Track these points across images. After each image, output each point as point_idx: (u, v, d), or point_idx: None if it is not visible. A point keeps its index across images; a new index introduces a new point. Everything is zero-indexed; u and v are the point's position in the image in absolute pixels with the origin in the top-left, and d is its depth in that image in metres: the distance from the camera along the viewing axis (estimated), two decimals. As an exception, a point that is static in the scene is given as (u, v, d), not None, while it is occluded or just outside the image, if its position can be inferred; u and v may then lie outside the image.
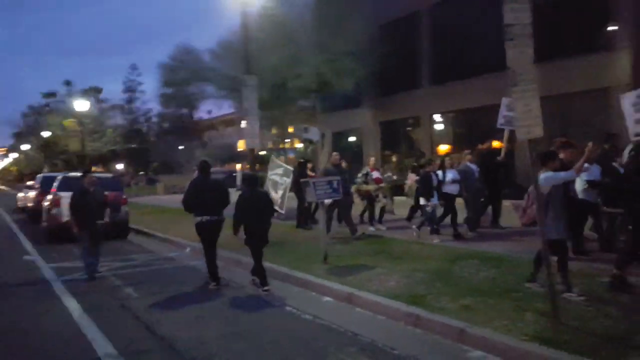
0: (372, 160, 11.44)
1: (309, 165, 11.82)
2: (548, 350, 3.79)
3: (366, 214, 10.96)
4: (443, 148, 17.25)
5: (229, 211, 6.69)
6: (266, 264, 7.38)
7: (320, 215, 7.92)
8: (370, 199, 10.61)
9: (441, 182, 9.02)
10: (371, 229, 10.44)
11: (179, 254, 9.60)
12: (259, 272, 6.55)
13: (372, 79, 17.58)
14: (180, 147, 54.98)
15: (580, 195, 6.89)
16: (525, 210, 5.42)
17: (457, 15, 15.98)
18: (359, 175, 10.78)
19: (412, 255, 7.66)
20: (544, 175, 5.18)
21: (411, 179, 10.98)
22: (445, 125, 18.02)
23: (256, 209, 6.48)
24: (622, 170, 6.61)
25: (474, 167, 9.42)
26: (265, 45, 14.32)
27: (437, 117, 18.00)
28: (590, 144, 5.60)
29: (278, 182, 10.33)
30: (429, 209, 8.83)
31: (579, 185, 6.91)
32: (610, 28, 12.33)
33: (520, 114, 4.16)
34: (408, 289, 5.71)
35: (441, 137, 17.86)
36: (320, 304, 5.78)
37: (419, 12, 17.51)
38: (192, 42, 22.48)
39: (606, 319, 4.42)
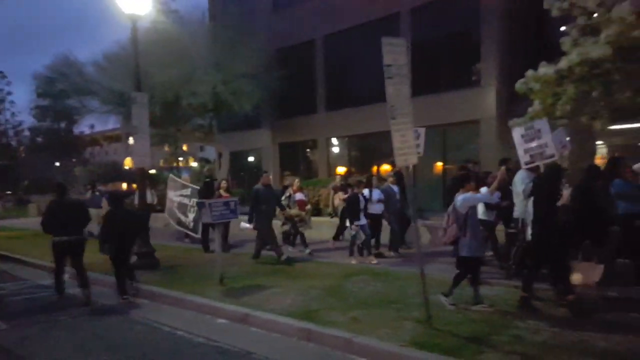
0: (295, 181, 10.73)
1: (223, 184, 11.07)
2: (421, 353, 4.33)
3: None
4: (340, 170, 18.21)
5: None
6: (158, 290, 7.22)
7: (216, 235, 7.91)
8: (293, 222, 10.22)
9: (367, 202, 9.12)
10: (290, 249, 10.26)
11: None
12: (121, 287, 7.12)
13: (270, 101, 18.01)
14: (57, 164, 50.08)
15: (481, 216, 7.54)
16: (445, 230, 5.87)
17: (349, 46, 17.19)
18: (282, 198, 10.31)
19: (309, 273, 8.01)
20: (462, 197, 5.69)
21: (338, 198, 10.77)
22: (341, 148, 19.05)
23: (122, 227, 7.06)
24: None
25: (395, 188, 9.59)
26: (157, 61, 13.98)
27: (333, 140, 18.98)
28: (503, 168, 6.43)
29: (187, 204, 9.49)
30: (352, 231, 8.83)
31: (480, 206, 7.57)
32: (480, 67, 14.28)
33: (398, 143, 4.77)
34: (303, 306, 6.01)
35: (338, 160, 18.82)
36: (214, 327, 5.81)
37: (313, 41, 18.48)
38: (73, 52, 21.01)
39: (472, 324, 5.14)
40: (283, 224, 10.40)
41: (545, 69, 4.37)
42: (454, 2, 14.37)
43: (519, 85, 4.64)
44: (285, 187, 11.25)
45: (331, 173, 17.72)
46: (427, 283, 5.23)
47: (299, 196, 10.35)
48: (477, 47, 14.04)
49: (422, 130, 9.56)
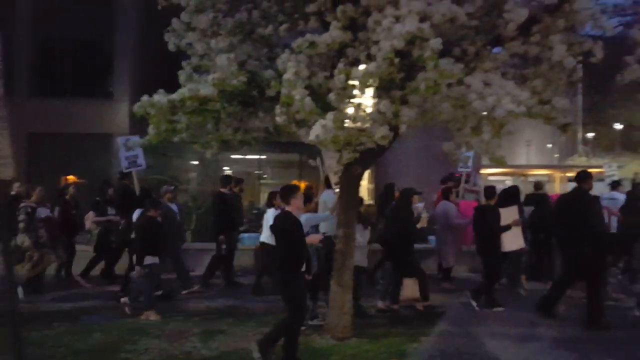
0: (37, 190, 7.24)
1: None
2: None
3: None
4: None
5: None
6: None
7: None
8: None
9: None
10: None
11: None
12: None
13: None
14: None
15: (265, 240, 7.27)
16: None
17: None
18: (20, 216, 6.78)
19: None
20: (305, 217, 5.58)
21: (89, 219, 8.06)
22: None
23: None
24: None
25: (175, 207, 7.79)
26: None
27: None
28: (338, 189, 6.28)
29: None
30: (135, 275, 6.45)
31: (265, 229, 7.31)
32: (114, 81, 14.22)
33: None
34: None
35: None
36: None
37: None
38: None
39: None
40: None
41: (159, 97, 4.77)
42: (86, 4, 13.78)
43: (137, 108, 4.88)
44: (15, 199, 7.26)
45: None
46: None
47: (43, 212, 7.17)
48: (110, 60, 14.00)
49: (135, 139, 7.82)
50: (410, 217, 6.68)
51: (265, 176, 16.63)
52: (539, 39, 4.51)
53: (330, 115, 4.24)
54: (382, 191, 8.34)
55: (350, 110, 4.40)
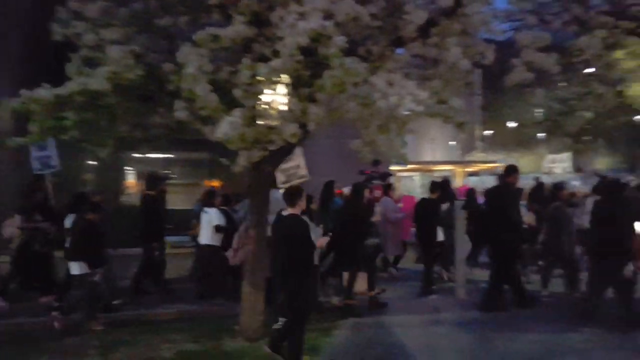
0: None
1: None
2: None
3: None
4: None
5: None
6: None
7: None
8: None
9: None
10: None
11: None
12: None
13: None
14: None
15: (207, 241, 7.11)
16: (236, 251, 6.46)
17: None
18: None
19: None
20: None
21: (11, 226, 6.96)
22: None
23: None
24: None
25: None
26: None
27: None
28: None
29: None
30: (97, 277, 5.99)
31: (206, 229, 7.11)
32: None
33: None
34: None
35: None
36: None
37: None
38: None
39: None
40: None
41: (44, 92, 4.36)
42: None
43: (18, 104, 4.42)
44: None
45: None
46: None
47: None
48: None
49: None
50: (366, 210, 6.87)
51: (173, 176, 15.92)
52: (437, 41, 4.75)
53: (238, 112, 4.12)
54: (323, 188, 8.39)
55: (259, 107, 4.31)
